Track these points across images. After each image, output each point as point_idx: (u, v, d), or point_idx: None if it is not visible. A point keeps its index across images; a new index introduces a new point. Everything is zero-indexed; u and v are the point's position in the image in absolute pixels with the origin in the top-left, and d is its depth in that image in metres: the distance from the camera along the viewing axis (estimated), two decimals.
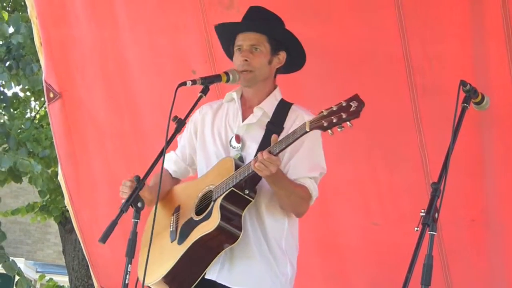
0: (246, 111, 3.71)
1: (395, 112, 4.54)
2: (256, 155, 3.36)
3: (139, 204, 3.37)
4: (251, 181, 3.49)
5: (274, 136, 3.37)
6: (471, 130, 4.26)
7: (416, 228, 3.04)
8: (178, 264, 3.53)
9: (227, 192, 3.47)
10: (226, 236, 3.46)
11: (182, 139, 3.89)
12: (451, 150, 3.22)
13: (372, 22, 4.44)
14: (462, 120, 3.36)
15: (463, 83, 3.44)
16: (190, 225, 3.58)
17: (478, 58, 4.28)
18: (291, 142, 3.29)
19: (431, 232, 3.03)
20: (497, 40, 4.21)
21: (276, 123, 3.60)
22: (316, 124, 3.16)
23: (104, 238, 3.27)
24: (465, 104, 3.43)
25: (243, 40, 3.66)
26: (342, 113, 3.09)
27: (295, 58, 3.74)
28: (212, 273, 3.53)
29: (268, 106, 3.67)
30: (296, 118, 3.62)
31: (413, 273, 2.97)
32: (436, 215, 3.07)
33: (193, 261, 3.52)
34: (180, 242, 3.59)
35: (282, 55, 3.69)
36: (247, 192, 3.49)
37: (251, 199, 3.50)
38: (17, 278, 9.63)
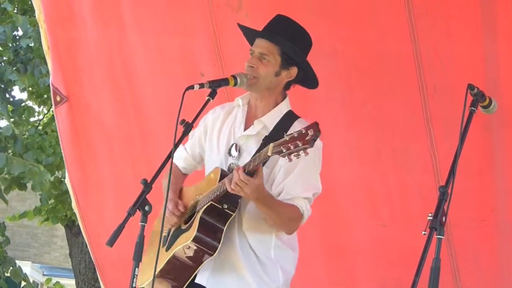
0: (249, 120, 3.71)
1: (405, 112, 4.52)
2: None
3: (146, 208, 3.35)
4: (232, 195, 3.47)
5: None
6: (481, 130, 4.25)
7: (423, 232, 3.03)
8: (164, 270, 3.60)
9: (207, 205, 3.50)
10: (204, 248, 3.49)
11: (193, 137, 3.89)
12: (459, 154, 3.22)
13: (382, 22, 4.42)
14: (469, 124, 3.37)
15: (470, 87, 3.45)
16: (178, 233, 3.64)
17: (489, 58, 4.26)
18: (257, 164, 3.30)
19: (439, 236, 3.01)
20: (508, 40, 4.20)
21: (273, 138, 3.49)
22: (276, 150, 3.16)
23: (111, 242, 3.26)
24: (473, 108, 3.45)
25: (256, 46, 3.66)
26: (298, 141, 3.10)
27: (308, 77, 3.71)
28: (201, 278, 3.58)
29: (270, 119, 3.65)
30: None
31: (422, 276, 2.95)
32: (444, 218, 3.06)
33: (177, 268, 3.58)
34: (167, 248, 3.66)
35: (293, 71, 3.65)
36: (225, 206, 3.50)
37: (231, 213, 3.51)
38: (23, 283, 9.65)
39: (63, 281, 13.97)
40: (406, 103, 4.50)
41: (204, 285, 3.57)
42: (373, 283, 4.98)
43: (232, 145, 3.67)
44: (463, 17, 4.28)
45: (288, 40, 3.64)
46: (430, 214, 3.05)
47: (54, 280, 13.10)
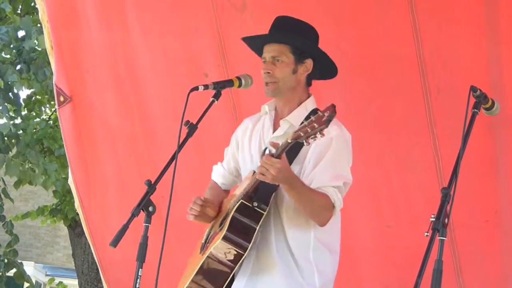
0: (277, 123, 3.69)
1: (408, 114, 4.52)
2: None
3: (150, 208, 3.36)
4: (263, 192, 3.48)
5: (272, 143, 3.36)
6: (484, 131, 4.25)
7: (426, 233, 3.03)
8: (198, 274, 3.55)
9: (237, 204, 3.47)
10: (235, 247, 3.44)
11: (227, 153, 3.91)
12: (461, 156, 3.22)
13: (386, 24, 4.42)
14: (472, 126, 3.37)
15: (473, 89, 3.46)
16: (213, 237, 3.61)
17: (492, 60, 4.26)
18: (279, 152, 3.28)
19: (441, 238, 3.01)
20: (511, 42, 4.18)
21: None
22: (295, 135, 3.17)
23: (115, 242, 3.27)
24: (475, 110, 3.45)
25: (266, 52, 3.64)
26: (315, 124, 3.10)
27: (325, 66, 3.70)
28: (239, 283, 3.55)
29: (296, 118, 3.61)
30: None
31: (425, 277, 2.95)
32: (446, 220, 3.05)
33: (212, 271, 3.52)
34: (202, 253, 3.63)
35: (309, 63, 3.63)
36: (255, 204, 3.47)
37: (262, 212, 3.48)
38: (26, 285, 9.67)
39: (66, 281, 13.96)
40: (410, 105, 4.50)
41: None
42: (377, 283, 4.98)
43: (264, 150, 3.61)
44: (467, 19, 4.27)
45: (296, 34, 3.63)
46: (432, 216, 3.05)
47: (57, 280, 13.11)
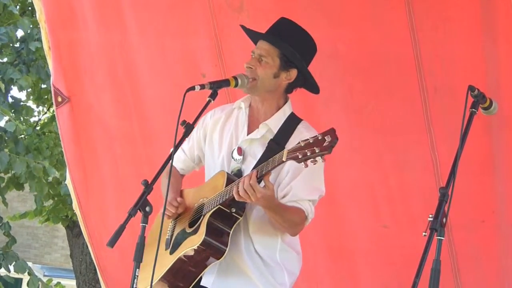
0: (252, 123, 3.70)
1: (405, 113, 4.52)
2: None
3: (147, 209, 3.36)
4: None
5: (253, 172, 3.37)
6: (481, 132, 4.26)
7: (424, 233, 3.03)
8: (168, 274, 3.59)
9: (214, 209, 3.49)
10: (212, 251, 3.49)
11: (191, 139, 3.89)
12: (459, 156, 3.23)
13: (383, 24, 4.42)
14: (470, 126, 3.38)
15: (471, 88, 3.46)
16: (182, 236, 3.63)
17: (489, 60, 4.26)
18: (269, 170, 3.31)
19: (439, 237, 3.01)
20: (508, 41, 4.19)
21: (278, 142, 3.57)
22: (291, 155, 3.19)
23: (112, 242, 3.26)
24: (473, 109, 3.46)
25: (257, 48, 3.67)
26: (315, 147, 3.12)
27: (309, 82, 3.72)
28: (207, 280, 3.58)
29: (275, 122, 3.65)
30: (298, 139, 3.58)
31: (423, 277, 2.95)
32: (444, 219, 3.06)
33: (182, 271, 3.57)
34: (172, 252, 3.64)
35: (293, 73, 3.65)
36: (234, 210, 3.50)
37: (239, 217, 3.52)
38: (27, 277, 9.63)
39: (64, 281, 13.92)
40: (407, 105, 4.50)
41: (209, 287, 3.57)
42: (375, 283, 4.98)
43: (234, 149, 3.66)
44: (464, 18, 4.28)
45: (288, 43, 3.63)
46: (430, 215, 3.06)
47: (55, 280, 13.08)
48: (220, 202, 3.48)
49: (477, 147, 4.28)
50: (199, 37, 4.83)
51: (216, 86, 3.61)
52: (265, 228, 3.59)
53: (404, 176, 4.66)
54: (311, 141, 3.14)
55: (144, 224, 3.33)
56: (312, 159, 3.14)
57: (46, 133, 10.66)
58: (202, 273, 3.55)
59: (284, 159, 3.22)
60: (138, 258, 3.27)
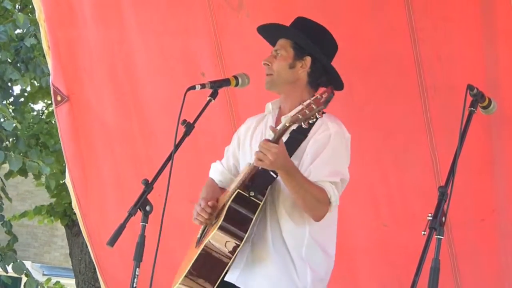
0: (279, 120, 3.68)
1: (405, 113, 4.52)
2: None
3: (147, 208, 3.36)
4: (259, 183, 3.47)
5: (272, 127, 3.37)
6: (481, 131, 4.26)
7: (423, 232, 3.03)
8: (194, 267, 3.51)
9: (234, 194, 3.46)
10: (231, 237, 3.41)
11: (228, 151, 3.91)
12: (458, 155, 3.24)
13: (382, 23, 4.43)
14: (469, 125, 3.38)
15: (470, 87, 3.47)
16: (208, 229, 3.60)
17: (489, 59, 4.26)
18: (277, 137, 3.29)
19: (438, 236, 3.02)
20: (508, 41, 4.19)
21: (300, 131, 3.52)
22: (293, 118, 3.19)
23: (112, 242, 3.27)
24: (472, 109, 3.47)
25: (276, 45, 3.70)
26: (312, 105, 3.13)
27: (331, 74, 3.70)
28: (232, 276, 3.52)
29: None
30: (320, 127, 3.58)
31: (422, 275, 2.96)
32: (443, 219, 3.06)
33: (208, 264, 3.49)
34: (198, 246, 3.60)
35: (307, 60, 3.64)
36: (252, 194, 3.45)
37: (259, 202, 3.46)
38: (25, 279, 9.63)
39: (63, 280, 13.96)
40: (406, 104, 4.50)
41: (233, 282, 3.51)
42: (374, 282, 4.99)
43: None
44: (463, 18, 4.28)
45: (300, 31, 3.65)
46: (429, 214, 3.06)
47: (54, 279, 13.09)
48: (238, 185, 3.45)
49: (477, 146, 4.29)
50: (198, 36, 4.83)
51: (216, 86, 3.62)
52: (292, 213, 3.53)
53: (404, 175, 4.66)
54: (311, 101, 3.15)
55: (144, 224, 3.34)
56: (311, 118, 3.14)
57: (53, 121, 10.65)
58: (229, 264, 3.45)
59: (287, 123, 3.22)
60: (138, 258, 3.28)
